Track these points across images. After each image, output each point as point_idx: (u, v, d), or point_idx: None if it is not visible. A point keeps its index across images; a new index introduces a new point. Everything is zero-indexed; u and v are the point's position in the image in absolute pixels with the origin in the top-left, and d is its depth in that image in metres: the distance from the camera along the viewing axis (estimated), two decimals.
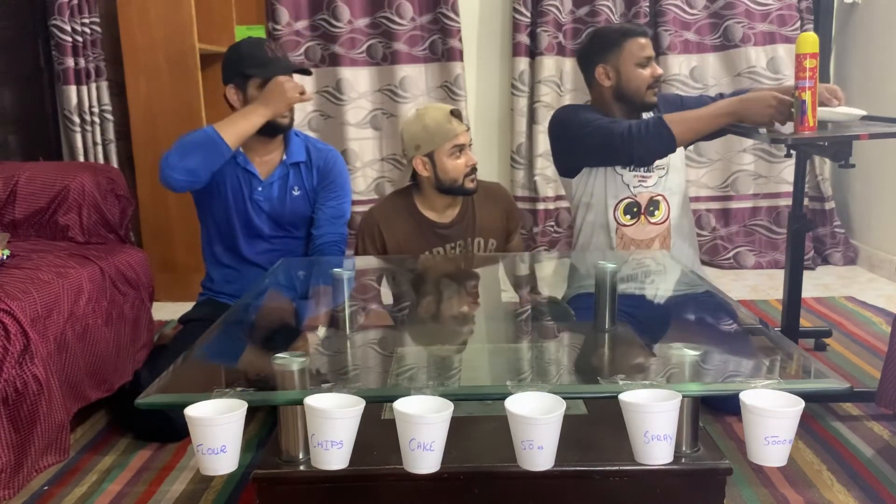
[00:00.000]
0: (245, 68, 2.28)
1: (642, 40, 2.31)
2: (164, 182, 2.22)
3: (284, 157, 2.40)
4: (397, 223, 2.42)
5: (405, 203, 2.42)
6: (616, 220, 2.38)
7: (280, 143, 2.40)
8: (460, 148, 2.32)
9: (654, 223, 2.38)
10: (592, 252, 2.39)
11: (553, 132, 2.44)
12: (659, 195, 2.38)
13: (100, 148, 3.38)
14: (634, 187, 2.37)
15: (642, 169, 2.36)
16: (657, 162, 2.34)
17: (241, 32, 3.70)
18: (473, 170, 2.35)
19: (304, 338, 1.72)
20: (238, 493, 1.83)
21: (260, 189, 2.37)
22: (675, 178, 2.40)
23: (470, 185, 2.35)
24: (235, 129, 2.22)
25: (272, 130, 2.33)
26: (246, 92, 2.30)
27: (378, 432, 1.39)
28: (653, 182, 2.37)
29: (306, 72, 2.44)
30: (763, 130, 2.07)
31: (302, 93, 2.26)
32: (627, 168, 2.35)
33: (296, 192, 2.40)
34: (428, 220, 2.40)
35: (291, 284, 2.22)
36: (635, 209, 2.38)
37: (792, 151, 2.48)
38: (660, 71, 2.35)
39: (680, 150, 2.33)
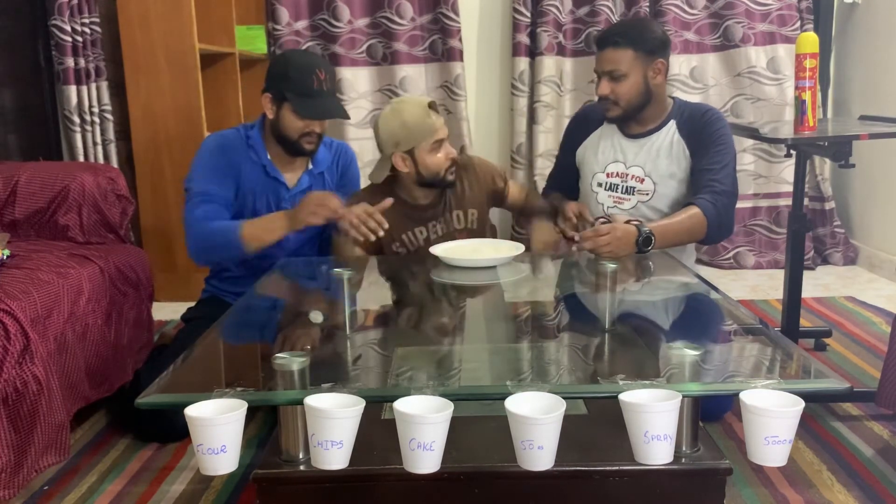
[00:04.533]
0: (286, 91, 2.22)
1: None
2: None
3: (311, 166, 2.38)
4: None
5: (387, 191, 2.34)
6: None
7: None
8: (440, 143, 2.29)
9: None
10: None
11: None
12: (636, 220, 2.35)
13: (100, 148, 3.37)
14: (609, 207, 2.38)
15: (619, 190, 2.36)
16: (640, 186, 2.33)
17: (241, 32, 3.70)
18: (453, 163, 2.33)
19: (305, 337, 1.72)
20: (238, 493, 1.83)
21: (287, 198, 2.34)
22: (662, 207, 2.34)
23: (450, 177, 2.33)
24: (258, 239, 2.19)
25: (295, 152, 2.31)
26: (280, 109, 2.25)
27: (378, 432, 1.39)
28: (631, 205, 2.36)
29: (345, 116, 2.34)
30: (764, 130, 2.07)
31: (336, 211, 2.13)
32: (603, 187, 2.37)
33: None
34: (407, 203, 2.36)
35: (292, 284, 2.22)
36: None
37: (792, 151, 2.48)
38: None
39: (680, 176, 2.31)
